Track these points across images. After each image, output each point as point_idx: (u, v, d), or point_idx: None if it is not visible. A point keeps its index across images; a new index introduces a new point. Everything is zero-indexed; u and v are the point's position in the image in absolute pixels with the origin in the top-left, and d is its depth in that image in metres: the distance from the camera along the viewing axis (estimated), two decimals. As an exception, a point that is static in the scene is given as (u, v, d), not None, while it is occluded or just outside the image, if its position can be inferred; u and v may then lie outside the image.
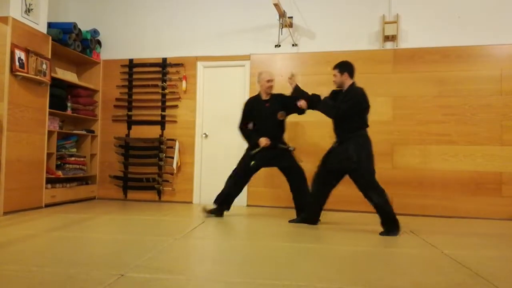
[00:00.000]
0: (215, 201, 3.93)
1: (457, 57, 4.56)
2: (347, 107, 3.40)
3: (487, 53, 4.49)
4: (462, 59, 4.55)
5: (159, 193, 5.20)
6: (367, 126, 3.53)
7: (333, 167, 3.49)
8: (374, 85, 4.72)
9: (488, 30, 4.50)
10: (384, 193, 3.30)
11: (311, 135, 4.85)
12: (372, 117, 4.68)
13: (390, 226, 3.28)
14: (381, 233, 3.27)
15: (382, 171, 4.61)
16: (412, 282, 1.99)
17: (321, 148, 4.80)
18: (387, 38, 4.72)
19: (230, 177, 3.97)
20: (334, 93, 3.65)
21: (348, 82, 3.54)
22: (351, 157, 3.32)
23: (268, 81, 3.89)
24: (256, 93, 4.13)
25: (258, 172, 4.91)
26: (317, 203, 3.64)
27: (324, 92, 4.81)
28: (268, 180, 4.89)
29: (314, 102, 3.69)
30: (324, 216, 4.32)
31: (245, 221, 3.84)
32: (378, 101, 4.70)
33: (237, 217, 4.05)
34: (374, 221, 4.03)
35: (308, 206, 3.70)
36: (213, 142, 5.15)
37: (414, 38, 4.68)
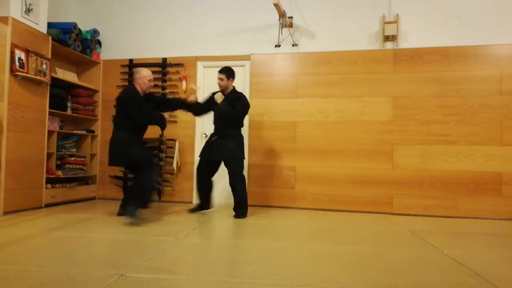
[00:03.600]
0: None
1: (457, 57, 4.56)
2: (243, 111, 4.04)
3: (487, 53, 4.49)
4: (462, 59, 4.55)
5: (159, 193, 5.19)
6: (242, 126, 4.21)
7: (212, 158, 4.06)
8: (374, 85, 4.73)
9: (488, 30, 4.50)
10: (245, 185, 4.11)
11: (309, 134, 4.85)
12: (372, 117, 4.72)
13: (242, 210, 4.00)
14: (235, 216, 3.96)
15: (382, 171, 4.64)
16: (412, 282, 1.99)
17: (315, 148, 4.81)
18: (387, 38, 4.72)
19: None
20: (212, 94, 4.14)
21: (231, 86, 4.10)
22: (229, 150, 3.98)
23: (150, 80, 3.83)
24: (135, 89, 3.78)
25: (257, 171, 4.94)
26: (206, 190, 4.20)
27: (324, 92, 4.84)
28: (268, 180, 4.89)
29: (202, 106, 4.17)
30: (324, 216, 4.33)
31: (245, 221, 3.84)
32: (378, 101, 4.71)
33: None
34: (374, 220, 4.03)
35: (203, 193, 4.20)
36: (213, 142, 5.15)
37: (414, 38, 4.68)
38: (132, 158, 3.62)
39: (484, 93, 4.47)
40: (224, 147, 4.01)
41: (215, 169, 4.20)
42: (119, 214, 3.89)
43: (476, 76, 4.50)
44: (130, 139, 3.65)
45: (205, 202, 4.26)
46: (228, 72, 4.07)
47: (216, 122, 4.15)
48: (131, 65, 5.38)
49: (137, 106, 3.65)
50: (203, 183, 4.19)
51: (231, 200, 4.22)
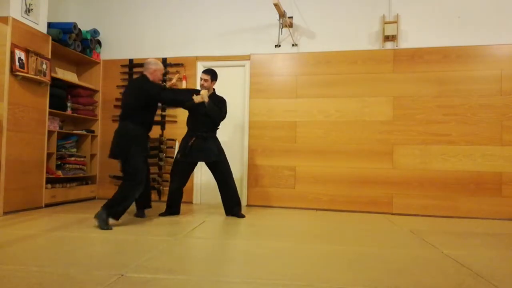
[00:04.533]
0: None
1: (457, 57, 4.56)
2: (226, 111, 4.03)
3: (487, 53, 4.49)
4: (462, 59, 4.55)
5: (159, 193, 5.20)
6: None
7: (199, 160, 4.03)
8: (374, 85, 4.73)
9: (488, 30, 4.50)
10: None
11: (308, 135, 4.85)
12: (372, 117, 4.72)
13: (241, 207, 4.06)
14: (238, 215, 4.02)
15: (382, 171, 4.64)
16: (412, 282, 1.99)
17: (316, 148, 4.81)
18: (387, 38, 4.72)
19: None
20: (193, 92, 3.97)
21: (212, 88, 4.10)
22: (215, 151, 3.97)
23: (162, 74, 3.83)
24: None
25: (257, 171, 4.93)
26: (181, 194, 4.09)
27: (324, 92, 4.84)
28: (268, 180, 4.89)
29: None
30: (323, 216, 4.33)
31: (245, 221, 3.84)
32: (378, 101, 4.71)
33: (237, 217, 4.05)
34: (374, 220, 4.03)
35: (175, 198, 4.08)
36: (213, 142, 5.16)
37: (414, 38, 4.68)
38: (129, 159, 3.42)
39: (484, 93, 4.47)
40: (211, 149, 3.93)
41: (191, 173, 4.11)
42: (137, 215, 3.90)
43: (476, 76, 4.50)
44: (139, 138, 3.50)
45: (177, 208, 4.09)
46: (212, 74, 4.02)
47: (198, 121, 3.96)
48: (131, 65, 5.38)
49: (162, 90, 3.73)
50: (180, 188, 4.02)
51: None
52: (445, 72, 4.57)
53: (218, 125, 4.10)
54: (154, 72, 3.68)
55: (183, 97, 3.88)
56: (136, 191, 3.39)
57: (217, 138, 4.09)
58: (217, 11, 5.22)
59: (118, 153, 3.48)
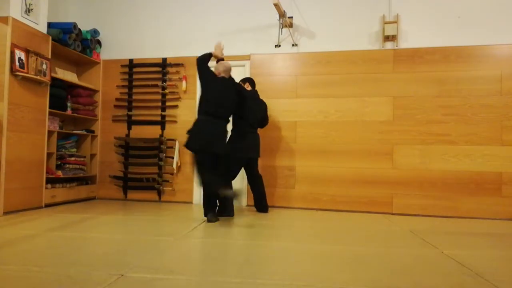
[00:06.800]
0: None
1: (457, 57, 4.56)
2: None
3: (487, 53, 4.49)
4: (462, 59, 4.55)
5: (159, 193, 5.20)
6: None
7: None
8: (374, 85, 4.73)
9: (488, 30, 4.50)
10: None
11: (309, 134, 4.85)
12: (372, 117, 4.72)
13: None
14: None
15: (382, 171, 4.64)
16: (412, 282, 1.99)
17: (317, 148, 4.81)
18: (387, 38, 4.72)
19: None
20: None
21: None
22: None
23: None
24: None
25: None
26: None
27: (324, 92, 4.84)
28: (268, 180, 4.88)
29: None
30: (324, 216, 4.33)
31: (245, 221, 3.84)
32: (378, 101, 4.71)
33: (237, 217, 4.06)
34: (374, 220, 4.03)
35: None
36: (213, 142, 5.15)
37: (414, 38, 4.68)
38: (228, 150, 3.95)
39: (484, 93, 4.47)
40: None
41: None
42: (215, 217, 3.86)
43: (476, 76, 4.50)
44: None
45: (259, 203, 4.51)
46: (245, 80, 4.55)
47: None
48: (131, 65, 5.38)
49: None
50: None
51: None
52: (445, 72, 4.57)
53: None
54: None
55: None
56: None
57: (232, 133, 4.33)
58: (217, 11, 5.22)
59: (223, 147, 3.83)
